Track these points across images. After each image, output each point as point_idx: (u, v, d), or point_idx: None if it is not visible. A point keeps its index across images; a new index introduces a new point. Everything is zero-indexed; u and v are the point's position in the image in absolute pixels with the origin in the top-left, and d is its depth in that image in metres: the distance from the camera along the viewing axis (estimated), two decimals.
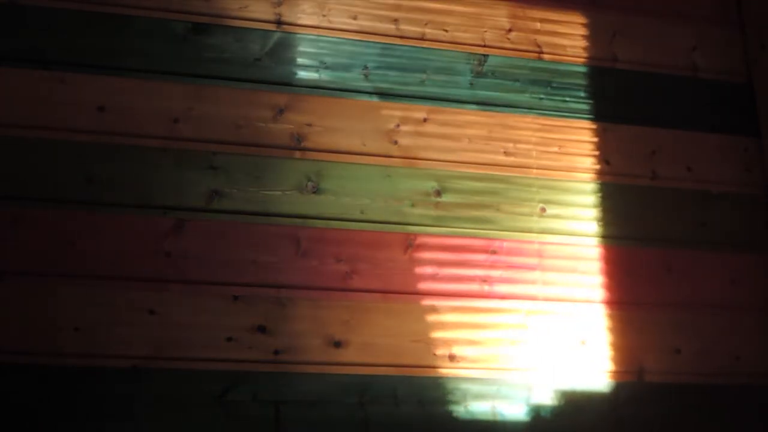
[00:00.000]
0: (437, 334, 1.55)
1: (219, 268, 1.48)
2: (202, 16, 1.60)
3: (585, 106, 1.77)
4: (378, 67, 1.67)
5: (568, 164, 1.72)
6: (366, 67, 1.66)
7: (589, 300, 1.65)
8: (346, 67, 1.65)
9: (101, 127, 1.49)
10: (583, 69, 1.79)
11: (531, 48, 1.77)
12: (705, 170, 1.80)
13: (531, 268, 1.64)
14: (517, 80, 1.74)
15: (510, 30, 1.77)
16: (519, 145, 1.70)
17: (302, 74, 1.62)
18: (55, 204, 1.44)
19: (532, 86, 1.75)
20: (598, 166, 1.74)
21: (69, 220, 1.44)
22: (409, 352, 1.53)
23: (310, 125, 1.60)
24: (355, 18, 1.68)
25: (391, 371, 1.51)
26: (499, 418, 1.53)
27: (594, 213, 1.70)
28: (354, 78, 1.65)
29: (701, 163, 1.80)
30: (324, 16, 1.67)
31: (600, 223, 1.70)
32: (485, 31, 1.75)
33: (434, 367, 1.53)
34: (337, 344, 1.50)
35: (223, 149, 1.54)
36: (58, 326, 1.39)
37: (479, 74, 1.72)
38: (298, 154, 1.58)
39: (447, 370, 1.54)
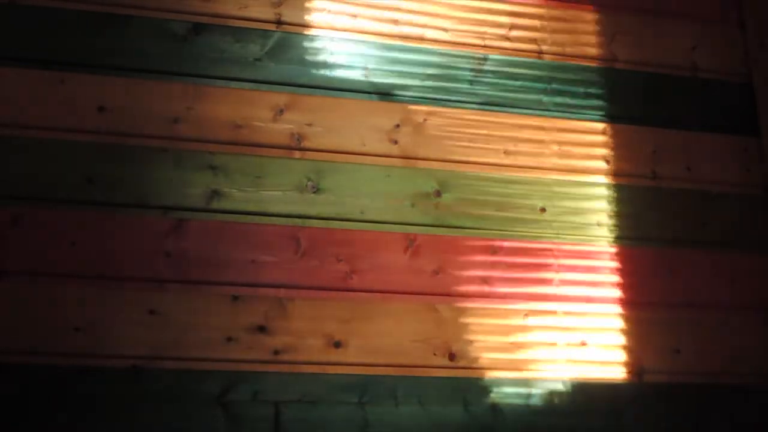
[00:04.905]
0: (437, 334, 1.55)
1: (219, 268, 1.48)
2: (202, 16, 1.60)
3: (585, 106, 1.77)
4: (378, 67, 1.67)
5: (568, 164, 1.72)
6: (366, 67, 1.66)
7: (589, 300, 1.65)
8: (346, 67, 1.65)
9: (101, 127, 1.49)
10: (583, 69, 1.79)
11: (531, 48, 1.77)
12: (705, 170, 1.80)
13: (531, 268, 1.64)
14: (517, 80, 1.74)
15: (510, 30, 1.77)
16: (519, 145, 1.70)
17: (302, 74, 1.62)
18: (55, 204, 1.44)
19: (532, 86, 1.75)
20: (598, 166, 1.74)
21: (69, 220, 1.44)
22: (409, 352, 1.53)
23: (310, 125, 1.60)
24: (355, 18, 1.68)
25: (391, 371, 1.51)
26: (499, 418, 1.53)
27: (594, 213, 1.70)
28: (354, 78, 1.65)
29: (701, 163, 1.80)
30: (324, 16, 1.67)
31: (600, 223, 1.70)
32: (485, 31, 1.75)
33: (434, 367, 1.53)
34: (337, 344, 1.50)
35: (223, 149, 1.54)
36: (58, 326, 1.39)
37: (479, 74, 1.72)
38: (298, 154, 1.58)
39: (447, 370, 1.54)
